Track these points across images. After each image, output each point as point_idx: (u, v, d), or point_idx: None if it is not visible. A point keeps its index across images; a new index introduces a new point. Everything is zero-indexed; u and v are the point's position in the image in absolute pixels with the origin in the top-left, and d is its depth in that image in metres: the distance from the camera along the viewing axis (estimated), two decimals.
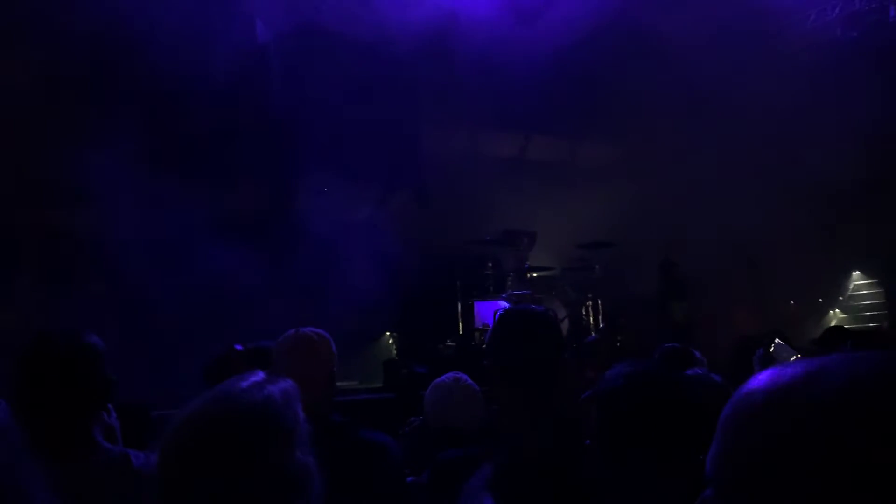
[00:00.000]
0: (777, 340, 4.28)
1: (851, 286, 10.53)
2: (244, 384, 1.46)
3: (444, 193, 8.54)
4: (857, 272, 10.55)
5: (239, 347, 5.08)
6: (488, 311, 7.95)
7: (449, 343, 7.80)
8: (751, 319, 8.65)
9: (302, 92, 7.84)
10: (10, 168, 6.42)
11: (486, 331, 7.65)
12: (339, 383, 2.74)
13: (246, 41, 7.34)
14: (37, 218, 6.66)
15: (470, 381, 3.41)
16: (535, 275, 8.40)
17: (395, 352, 8.14)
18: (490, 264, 8.23)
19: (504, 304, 7.71)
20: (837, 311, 10.38)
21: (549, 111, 8.84)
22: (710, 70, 8.41)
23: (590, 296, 8.28)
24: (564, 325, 8.04)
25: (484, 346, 7.10)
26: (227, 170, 7.62)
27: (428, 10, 8.00)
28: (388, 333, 8.36)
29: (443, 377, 3.50)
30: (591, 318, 8.22)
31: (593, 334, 7.35)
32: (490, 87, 8.40)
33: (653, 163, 8.86)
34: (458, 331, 8.01)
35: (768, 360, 3.52)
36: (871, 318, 10.10)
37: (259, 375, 1.49)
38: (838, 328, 4.91)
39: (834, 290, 10.49)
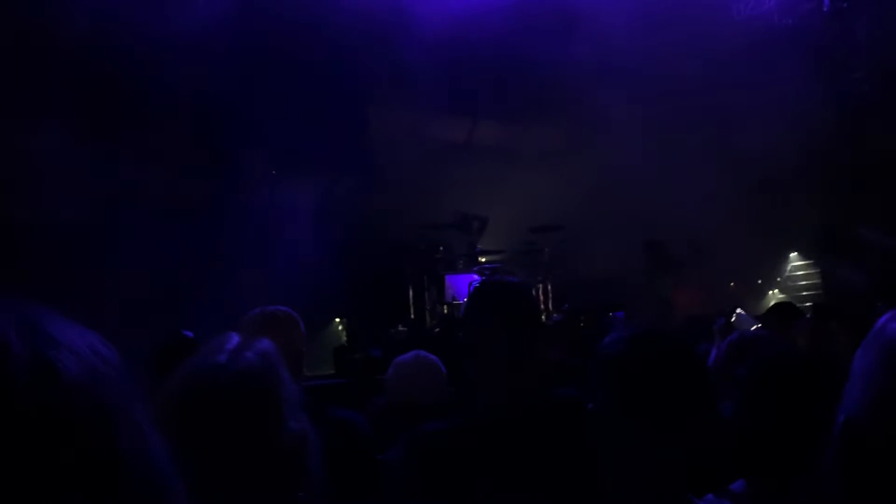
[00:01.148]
0: (738, 310, 4.37)
1: (789, 267, 10.86)
2: (221, 356, 1.34)
3: (392, 178, 8.47)
4: (794, 253, 10.89)
5: (188, 334, 4.92)
6: (459, 284, 7.91)
7: (401, 328, 7.74)
8: (694, 301, 8.83)
9: (249, 75, 7.65)
10: None
11: (457, 305, 7.62)
12: None
13: (191, 21, 7.11)
14: None
15: (432, 356, 3.37)
16: (484, 259, 8.41)
17: (345, 338, 8.03)
18: (441, 248, 8.20)
19: (477, 277, 7.66)
20: (776, 291, 10.69)
21: (496, 96, 8.85)
22: (647, 54, 8.55)
23: (539, 278, 8.33)
24: None
25: (458, 317, 7.08)
26: (173, 153, 7.41)
27: None
28: (337, 320, 8.24)
29: (403, 356, 3.46)
30: (542, 301, 8.28)
31: (555, 315, 7.40)
32: (437, 71, 8.35)
33: (595, 147, 8.94)
34: (410, 315, 7.97)
35: (729, 330, 3.58)
36: (807, 297, 10.43)
37: (234, 340, 1.38)
38: (786, 304, 5.03)
39: (772, 271, 10.81)
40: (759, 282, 10.73)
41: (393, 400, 3.30)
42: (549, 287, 8.32)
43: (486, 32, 8.36)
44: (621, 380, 1.59)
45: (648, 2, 8.72)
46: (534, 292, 8.31)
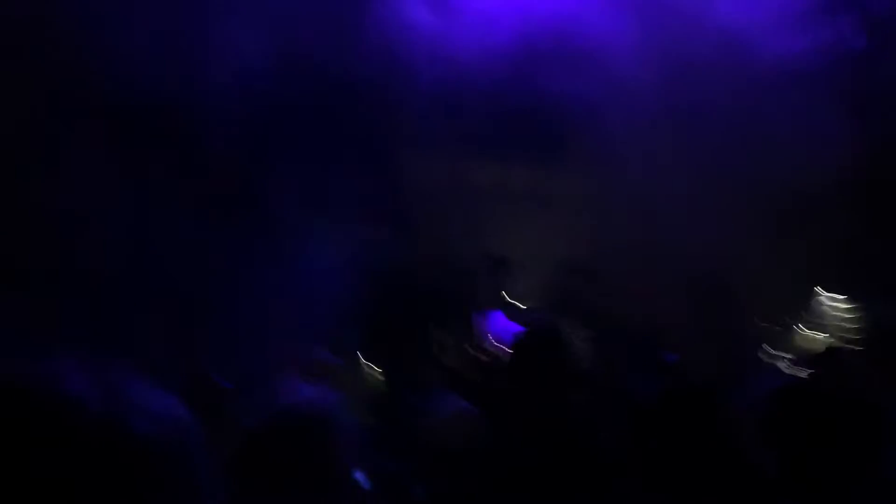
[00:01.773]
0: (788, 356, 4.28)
1: (821, 305, 10.73)
2: (299, 398, 1.49)
3: (422, 224, 8.52)
4: (822, 289, 10.76)
5: (228, 385, 4.97)
6: (490, 325, 7.88)
7: (433, 371, 7.69)
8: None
9: (279, 120, 7.79)
10: None
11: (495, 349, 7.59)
12: None
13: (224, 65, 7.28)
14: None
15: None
16: (517, 304, 8.40)
17: (385, 385, 7.99)
18: (474, 294, 8.20)
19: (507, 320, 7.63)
20: (803, 327, 10.54)
21: (525, 139, 8.91)
22: (675, 94, 8.61)
23: (576, 326, 8.26)
24: None
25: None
26: (201, 197, 7.52)
27: (404, 35, 8.04)
28: (373, 366, 8.22)
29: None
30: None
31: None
32: (467, 113, 8.45)
33: (625, 188, 8.94)
34: (442, 359, 7.91)
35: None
36: (837, 336, 10.28)
37: (307, 389, 1.54)
38: (836, 349, 4.97)
39: (800, 307, 10.68)
40: (787, 318, 10.61)
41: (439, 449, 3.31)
42: (584, 334, 8.24)
43: (514, 74, 8.47)
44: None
45: (677, 42, 8.80)
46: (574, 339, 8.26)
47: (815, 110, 8.41)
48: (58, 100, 6.75)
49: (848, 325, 10.36)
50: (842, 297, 10.57)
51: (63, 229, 6.55)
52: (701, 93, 8.75)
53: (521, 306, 8.39)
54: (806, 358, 4.50)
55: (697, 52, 8.83)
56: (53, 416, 0.54)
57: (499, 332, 7.80)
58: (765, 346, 8.08)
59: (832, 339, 10.13)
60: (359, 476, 1.54)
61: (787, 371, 6.51)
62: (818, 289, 10.66)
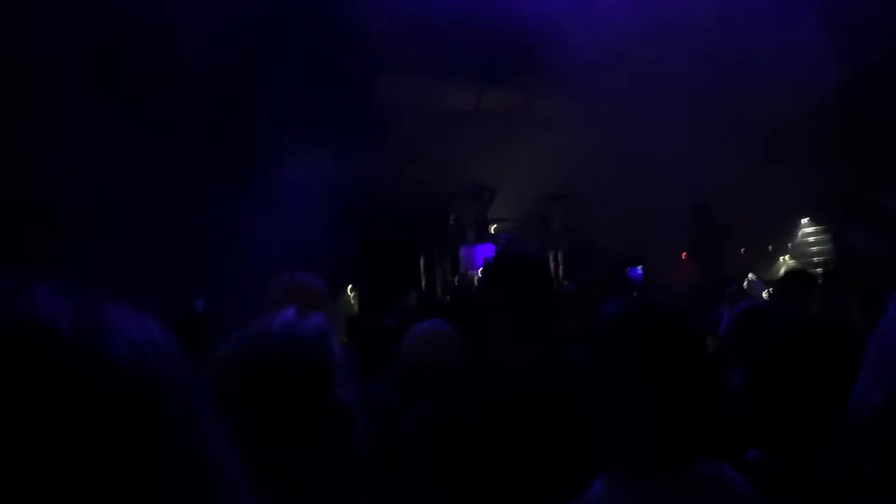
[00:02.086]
0: (751, 275, 4.36)
1: (800, 233, 10.82)
2: (278, 323, 1.41)
3: (402, 147, 8.44)
4: (806, 219, 10.83)
5: (199, 306, 4.97)
6: (472, 256, 7.94)
7: (413, 297, 7.78)
8: (691, 269, 8.83)
9: (258, 42, 7.63)
10: None
11: (470, 276, 7.66)
12: None
13: None
14: None
15: (446, 325, 3.42)
16: (494, 228, 8.42)
17: (356, 307, 8.08)
18: (452, 217, 8.21)
19: (492, 247, 7.69)
20: (787, 257, 10.65)
21: (502, 62, 8.75)
22: (655, 16, 8.45)
23: (551, 248, 8.33)
24: None
25: (470, 288, 7.11)
26: (185, 122, 7.43)
27: None
28: (348, 289, 8.29)
29: (421, 324, 3.51)
30: (554, 270, 8.28)
31: (568, 284, 7.44)
32: (445, 38, 8.28)
33: (603, 112, 8.84)
34: (421, 285, 8.01)
35: (741, 295, 3.58)
36: (818, 264, 10.40)
37: (290, 312, 1.42)
38: (799, 272, 5.01)
39: (783, 237, 10.76)
40: (770, 248, 10.70)
41: (410, 367, 3.34)
42: (561, 256, 8.32)
43: None
44: (620, 347, 1.62)
45: None
46: (547, 262, 8.34)
47: (798, 35, 8.28)
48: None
49: (826, 253, 10.49)
50: (822, 225, 10.67)
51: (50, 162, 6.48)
52: (681, 14, 8.57)
53: (494, 228, 8.42)
54: (786, 286, 4.52)
55: None
56: (17, 335, 0.48)
57: (479, 259, 7.87)
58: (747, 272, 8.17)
59: (810, 266, 10.24)
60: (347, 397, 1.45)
61: (764, 296, 6.59)
62: (800, 218, 10.74)
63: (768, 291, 4.28)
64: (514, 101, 9.81)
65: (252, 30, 7.74)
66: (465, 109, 9.70)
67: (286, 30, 7.91)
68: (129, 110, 7.05)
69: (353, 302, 8.23)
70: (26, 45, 6.40)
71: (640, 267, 7.38)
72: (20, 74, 6.37)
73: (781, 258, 10.64)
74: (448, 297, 7.94)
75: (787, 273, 4.99)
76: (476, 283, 5.27)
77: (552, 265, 8.33)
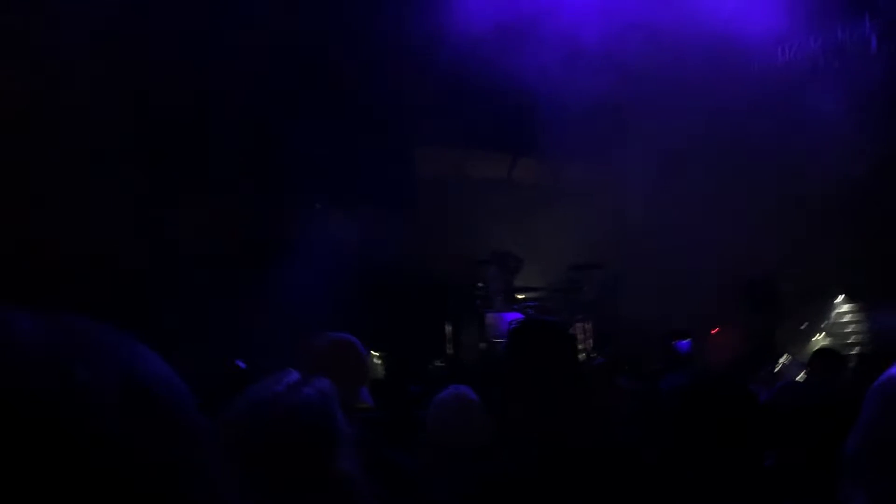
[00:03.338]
0: (785, 356, 4.29)
1: (835, 312, 10.59)
2: (280, 387, 1.39)
3: (432, 213, 8.53)
4: (841, 297, 10.62)
5: (241, 364, 5.00)
6: (500, 322, 7.91)
7: (439, 364, 7.73)
8: (733, 342, 8.67)
9: (296, 109, 7.83)
10: None
11: (497, 343, 7.63)
12: None
13: (244, 57, 7.35)
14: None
15: (472, 394, 3.38)
16: (523, 296, 8.39)
17: (383, 372, 8.04)
18: (480, 285, 8.22)
19: (518, 315, 7.65)
20: (821, 335, 10.42)
21: (536, 133, 8.88)
22: (688, 93, 8.55)
23: (580, 318, 8.27)
24: None
25: (497, 355, 7.06)
26: (218, 184, 7.59)
27: (417, 30, 8.05)
28: (375, 354, 8.26)
29: (443, 393, 3.47)
30: (584, 341, 8.20)
31: (598, 357, 7.35)
32: (477, 109, 8.45)
33: (634, 180, 8.86)
34: (448, 351, 7.97)
35: (775, 376, 3.51)
36: (854, 344, 10.16)
37: (294, 376, 1.41)
38: (830, 350, 4.92)
39: (818, 314, 10.55)
40: (804, 325, 10.48)
41: (433, 439, 3.29)
42: (591, 327, 8.24)
43: (525, 70, 8.45)
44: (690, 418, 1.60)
45: (690, 43, 8.73)
46: (573, 332, 8.26)
47: (839, 108, 8.32)
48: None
49: (861, 333, 10.23)
50: (859, 303, 10.44)
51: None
52: (718, 94, 8.67)
53: (520, 297, 8.39)
54: (818, 365, 4.42)
55: (715, 52, 8.76)
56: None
57: (503, 326, 7.83)
58: (779, 349, 8.01)
59: (844, 346, 10.01)
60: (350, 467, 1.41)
61: (797, 373, 6.43)
62: (837, 295, 10.53)
63: (804, 373, 4.21)
64: (546, 170, 9.91)
65: (288, 97, 7.98)
66: (496, 178, 9.81)
67: (321, 98, 8.13)
68: (169, 176, 7.25)
69: (379, 367, 8.19)
70: (58, 102, 6.61)
71: (687, 340, 7.27)
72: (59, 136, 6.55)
73: (816, 337, 10.41)
74: (476, 365, 7.87)
75: (816, 352, 4.90)
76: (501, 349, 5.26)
77: (581, 336, 8.24)
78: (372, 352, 8.39)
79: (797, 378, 4.34)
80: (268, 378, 1.42)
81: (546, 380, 2.26)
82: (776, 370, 4.32)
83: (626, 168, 8.54)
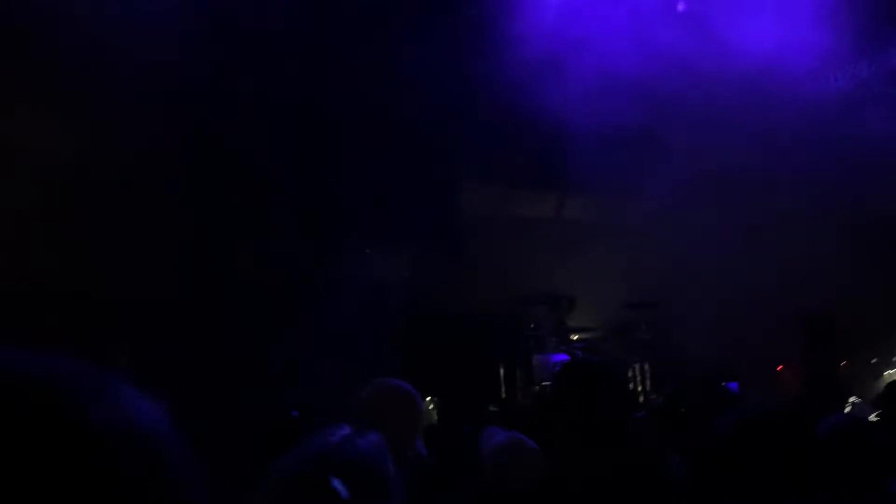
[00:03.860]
0: (853, 399, 4.05)
1: None
2: (335, 439, 1.41)
3: (481, 254, 8.46)
4: None
5: (294, 413, 4.99)
6: (550, 365, 7.75)
7: (492, 408, 7.59)
8: (798, 380, 8.35)
9: (340, 146, 7.91)
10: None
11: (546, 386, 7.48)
12: None
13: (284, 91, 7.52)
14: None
15: (528, 441, 3.30)
16: (576, 337, 8.23)
17: (436, 417, 7.92)
18: (531, 325, 8.09)
19: (563, 356, 7.50)
20: (892, 371, 9.96)
21: (584, 170, 8.78)
22: (742, 120, 8.40)
23: (637, 358, 8.06)
24: None
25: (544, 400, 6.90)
26: (267, 225, 7.67)
27: (460, 68, 8.10)
28: (427, 398, 8.16)
29: (500, 438, 3.42)
30: (640, 383, 7.98)
31: (657, 398, 7.15)
32: (524, 146, 8.42)
33: (689, 216, 8.65)
34: (501, 394, 7.82)
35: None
36: None
37: (346, 429, 1.45)
38: None
39: (887, 349, 10.10)
40: (874, 361, 10.04)
41: (489, 485, 3.20)
42: (647, 367, 8.01)
43: (569, 104, 8.41)
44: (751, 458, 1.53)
45: (736, 71, 8.60)
46: (629, 373, 8.04)
47: (893, 138, 8.07)
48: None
49: None
50: None
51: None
52: (772, 121, 8.49)
53: (574, 338, 8.22)
54: (881, 395, 4.15)
55: (765, 80, 8.61)
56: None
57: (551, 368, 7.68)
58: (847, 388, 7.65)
59: None
60: None
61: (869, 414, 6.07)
62: None
63: (877, 415, 3.94)
64: (596, 207, 9.76)
65: (331, 132, 8.06)
66: (545, 217, 9.71)
67: (366, 134, 8.19)
68: (219, 215, 7.35)
69: (432, 411, 8.08)
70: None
71: (735, 384, 7.01)
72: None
73: (886, 372, 9.96)
74: (528, 407, 7.72)
75: (888, 386, 4.59)
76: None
77: (637, 377, 8.02)
78: (426, 398, 8.30)
79: (871, 418, 4.08)
80: (321, 430, 1.46)
81: (591, 425, 2.18)
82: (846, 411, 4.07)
83: (677, 202, 8.37)
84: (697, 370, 7.55)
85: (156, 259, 6.80)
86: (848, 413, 3.68)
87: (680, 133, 8.33)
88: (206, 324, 6.78)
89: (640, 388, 8.00)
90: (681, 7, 9.06)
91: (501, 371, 7.95)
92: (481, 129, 8.35)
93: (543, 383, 7.53)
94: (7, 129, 6.25)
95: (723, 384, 6.68)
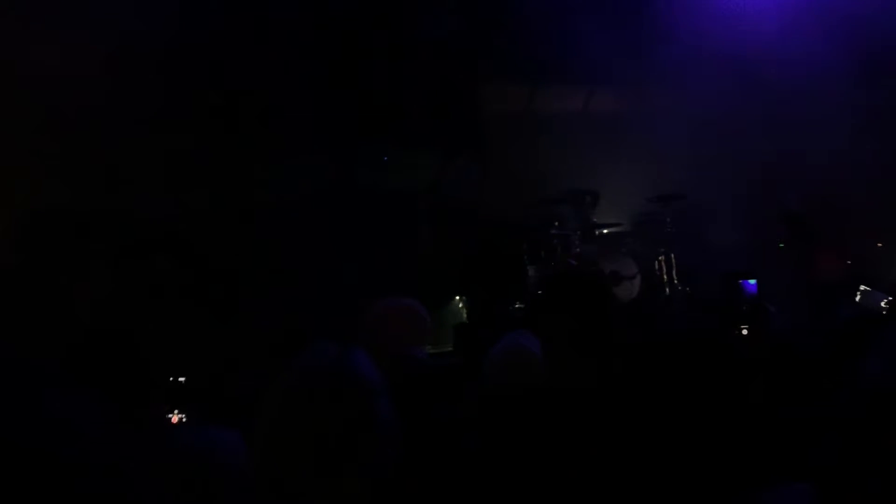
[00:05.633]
0: (862, 287, 4.00)
1: None
2: (319, 361, 1.61)
3: (505, 152, 8.41)
4: None
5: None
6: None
7: (518, 305, 7.72)
8: (835, 262, 8.24)
9: (359, 53, 7.81)
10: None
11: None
12: None
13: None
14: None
15: (528, 343, 3.35)
16: (604, 232, 8.23)
17: (465, 315, 8.11)
18: (556, 223, 8.09)
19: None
20: None
21: (612, 61, 8.50)
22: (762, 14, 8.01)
23: (662, 251, 8.05)
24: (636, 282, 7.93)
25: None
26: (289, 138, 7.70)
27: None
28: (457, 298, 8.33)
29: (503, 343, 3.47)
30: (665, 274, 8.01)
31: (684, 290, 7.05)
32: (548, 38, 8.16)
33: (717, 107, 8.37)
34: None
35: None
36: None
37: (331, 346, 1.63)
38: None
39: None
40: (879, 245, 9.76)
41: (488, 393, 3.29)
42: (673, 258, 8.00)
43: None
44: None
45: None
46: (654, 265, 8.06)
47: None
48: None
49: None
50: None
51: None
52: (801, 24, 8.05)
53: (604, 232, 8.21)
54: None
55: None
56: None
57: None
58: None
59: None
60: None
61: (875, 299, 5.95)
62: None
63: (888, 300, 3.88)
64: (624, 99, 9.50)
65: (351, 38, 7.93)
66: (572, 111, 9.50)
67: (384, 35, 8.04)
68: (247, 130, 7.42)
69: (462, 310, 8.27)
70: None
71: (753, 281, 6.95)
72: None
73: None
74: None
75: None
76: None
77: (663, 268, 8.03)
78: (456, 297, 8.48)
79: (882, 306, 4.03)
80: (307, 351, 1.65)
81: (577, 335, 2.30)
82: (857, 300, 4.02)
83: (710, 95, 8.09)
84: (722, 264, 7.53)
85: (183, 176, 6.96)
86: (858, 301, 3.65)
87: (707, 24, 7.98)
88: (236, 237, 6.97)
89: (665, 279, 8.03)
90: None
91: (530, 272, 8.03)
92: (505, 25, 8.12)
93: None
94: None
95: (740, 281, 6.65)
